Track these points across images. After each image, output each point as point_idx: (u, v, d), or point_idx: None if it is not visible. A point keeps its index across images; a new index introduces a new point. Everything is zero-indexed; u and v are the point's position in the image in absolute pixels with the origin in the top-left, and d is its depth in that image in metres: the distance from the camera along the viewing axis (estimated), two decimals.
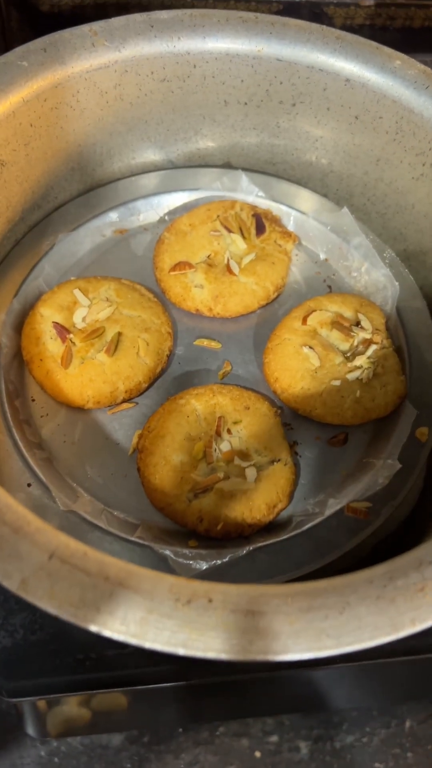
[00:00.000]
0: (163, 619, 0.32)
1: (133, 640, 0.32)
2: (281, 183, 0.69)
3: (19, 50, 0.55)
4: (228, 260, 0.60)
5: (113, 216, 0.65)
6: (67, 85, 0.56)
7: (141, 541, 0.49)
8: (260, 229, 0.63)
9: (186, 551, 0.48)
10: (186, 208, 0.66)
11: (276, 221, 0.65)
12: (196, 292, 0.60)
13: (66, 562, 0.34)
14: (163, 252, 0.62)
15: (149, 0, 0.80)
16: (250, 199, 0.67)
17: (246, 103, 0.64)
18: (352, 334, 0.57)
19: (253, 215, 0.64)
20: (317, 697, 0.62)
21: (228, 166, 0.70)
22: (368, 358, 0.56)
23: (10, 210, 0.59)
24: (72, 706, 0.55)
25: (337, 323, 0.58)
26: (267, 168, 0.70)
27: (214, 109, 0.65)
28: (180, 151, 0.69)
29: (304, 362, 0.56)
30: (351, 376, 0.55)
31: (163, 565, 0.48)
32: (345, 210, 0.64)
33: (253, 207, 0.65)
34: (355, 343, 0.57)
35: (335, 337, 0.57)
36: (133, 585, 0.34)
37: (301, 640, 0.32)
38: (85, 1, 0.80)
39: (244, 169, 0.68)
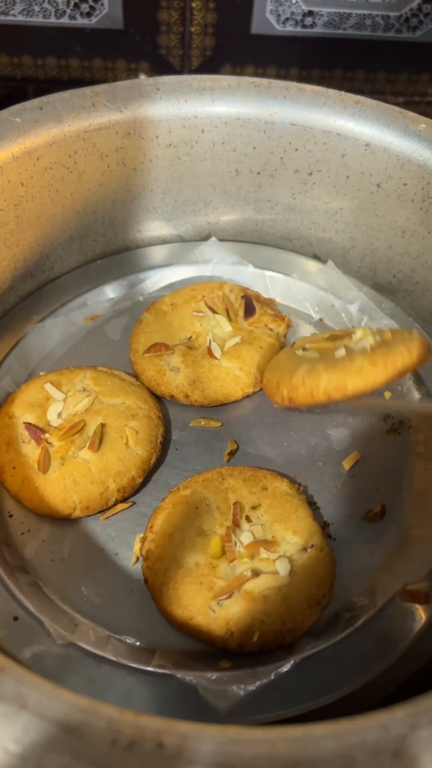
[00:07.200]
0: None
1: None
2: (298, 257, 0.64)
3: (14, 108, 0.51)
4: (210, 342, 0.53)
5: (82, 302, 0.59)
6: (63, 144, 0.52)
7: (161, 671, 0.39)
8: (249, 311, 0.56)
9: (218, 675, 0.38)
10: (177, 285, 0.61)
11: (269, 304, 0.57)
12: (171, 376, 0.52)
13: None
14: (139, 333, 0.55)
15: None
16: (249, 269, 0.62)
17: (259, 173, 0.60)
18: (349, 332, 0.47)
19: (243, 297, 0.57)
20: None
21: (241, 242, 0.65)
22: (369, 329, 0.46)
23: None
24: None
25: (332, 336, 0.48)
26: (284, 244, 0.65)
27: (224, 178, 0.61)
28: (189, 225, 0.64)
29: (303, 360, 0.46)
30: (356, 346, 0.45)
31: (191, 697, 0.38)
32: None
33: (244, 289, 0.58)
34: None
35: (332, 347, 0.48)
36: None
37: None
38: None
39: (260, 245, 0.63)
